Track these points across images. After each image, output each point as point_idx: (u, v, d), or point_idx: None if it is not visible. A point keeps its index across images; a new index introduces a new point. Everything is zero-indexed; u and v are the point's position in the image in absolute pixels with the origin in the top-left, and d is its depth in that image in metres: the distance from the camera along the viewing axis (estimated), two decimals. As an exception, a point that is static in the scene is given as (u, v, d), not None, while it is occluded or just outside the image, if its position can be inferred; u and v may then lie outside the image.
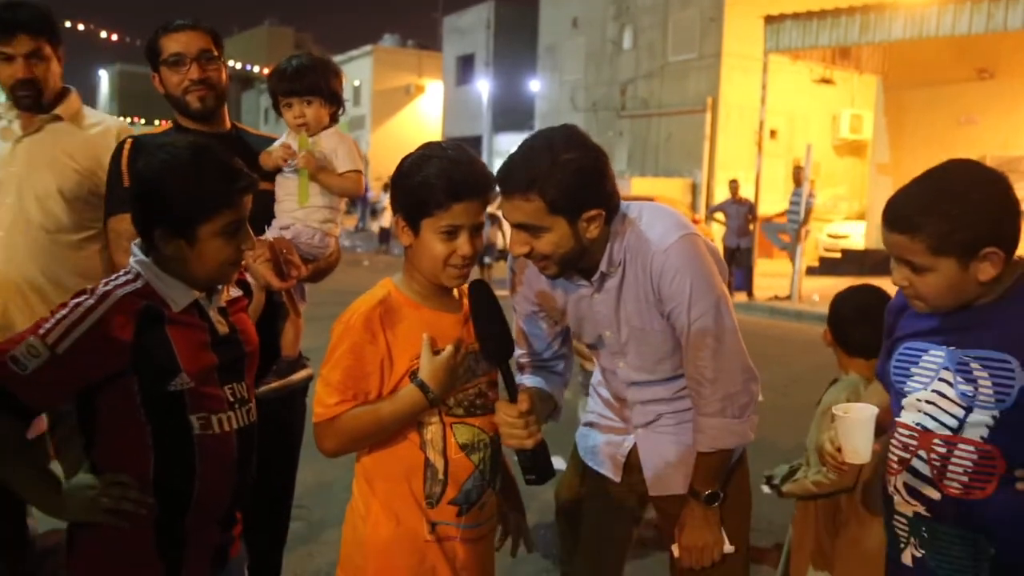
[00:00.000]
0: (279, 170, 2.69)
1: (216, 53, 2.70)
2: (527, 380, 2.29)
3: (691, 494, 2.22)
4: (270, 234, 2.61)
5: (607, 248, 2.14)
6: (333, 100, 2.74)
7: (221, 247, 1.83)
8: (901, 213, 1.78)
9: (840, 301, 2.77)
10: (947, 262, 1.74)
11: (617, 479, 2.39)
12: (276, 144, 2.76)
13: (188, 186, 1.78)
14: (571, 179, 1.99)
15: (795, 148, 18.41)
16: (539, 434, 1.96)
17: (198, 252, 1.82)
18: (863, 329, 2.63)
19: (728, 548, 2.25)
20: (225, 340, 1.92)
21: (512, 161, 2.05)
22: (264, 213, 2.61)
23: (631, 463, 2.36)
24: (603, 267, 2.16)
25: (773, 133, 18.47)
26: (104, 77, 65.68)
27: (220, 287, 1.94)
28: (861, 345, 2.66)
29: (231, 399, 1.90)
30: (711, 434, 2.16)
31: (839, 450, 1.98)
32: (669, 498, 2.31)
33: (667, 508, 2.34)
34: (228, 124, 2.81)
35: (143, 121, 30.65)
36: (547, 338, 2.35)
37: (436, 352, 1.92)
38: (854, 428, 1.95)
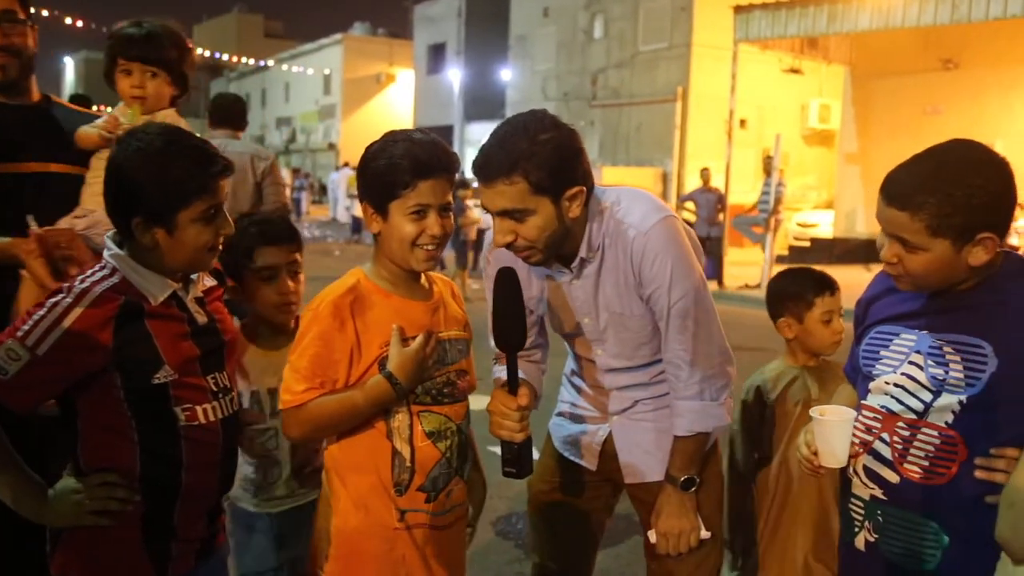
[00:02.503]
0: (98, 148, 2.40)
1: (22, 15, 2.36)
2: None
3: (668, 480, 2.23)
4: (62, 223, 2.31)
5: (586, 233, 2.14)
6: (180, 81, 2.51)
7: (200, 232, 1.81)
8: (903, 190, 1.73)
9: (772, 284, 2.78)
10: (942, 243, 1.71)
11: (593, 468, 2.39)
12: (103, 120, 2.45)
13: (164, 174, 1.75)
14: (551, 157, 1.98)
15: (765, 138, 18.47)
16: (529, 429, 1.96)
17: (177, 239, 1.79)
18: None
19: (704, 534, 2.26)
20: (205, 330, 1.90)
21: (489, 148, 2.03)
22: (68, 199, 2.36)
23: (606, 451, 2.36)
24: (582, 252, 2.15)
25: (743, 123, 18.52)
26: (70, 64, 64.66)
27: (195, 277, 1.92)
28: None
29: (214, 389, 1.89)
30: (689, 417, 2.17)
31: (815, 454, 1.91)
32: (644, 485, 2.32)
33: (642, 496, 2.34)
34: (37, 95, 2.51)
35: (109, 109, 30.13)
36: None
37: (406, 341, 1.92)
38: (831, 431, 1.87)
